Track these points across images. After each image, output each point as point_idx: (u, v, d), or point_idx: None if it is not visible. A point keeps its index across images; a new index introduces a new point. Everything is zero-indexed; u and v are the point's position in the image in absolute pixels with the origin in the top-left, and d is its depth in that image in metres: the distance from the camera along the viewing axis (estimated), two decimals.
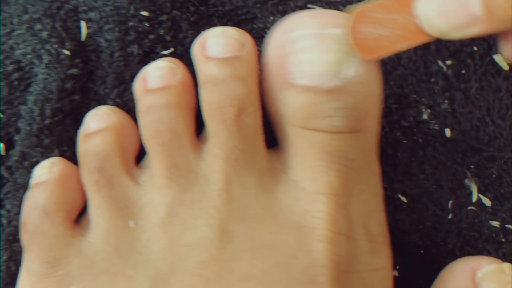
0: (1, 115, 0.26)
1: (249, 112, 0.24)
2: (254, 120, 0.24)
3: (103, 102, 0.26)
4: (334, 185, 0.23)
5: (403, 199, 0.27)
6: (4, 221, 0.26)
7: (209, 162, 0.24)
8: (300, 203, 0.23)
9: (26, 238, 0.24)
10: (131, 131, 0.25)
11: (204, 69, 0.24)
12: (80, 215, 0.25)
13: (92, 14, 0.27)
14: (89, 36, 0.27)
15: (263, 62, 0.25)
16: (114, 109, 0.25)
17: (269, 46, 0.24)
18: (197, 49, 0.25)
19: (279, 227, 0.23)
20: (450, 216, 0.27)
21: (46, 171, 0.25)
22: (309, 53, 0.23)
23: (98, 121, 0.25)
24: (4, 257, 0.25)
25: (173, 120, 0.24)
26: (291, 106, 0.24)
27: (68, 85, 0.26)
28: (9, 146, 0.26)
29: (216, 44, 0.24)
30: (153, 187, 0.24)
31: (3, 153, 0.26)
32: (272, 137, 0.25)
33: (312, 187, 0.23)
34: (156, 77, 0.24)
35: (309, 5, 0.28)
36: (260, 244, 0.23)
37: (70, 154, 0.26)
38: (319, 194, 0.23)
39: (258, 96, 0.24)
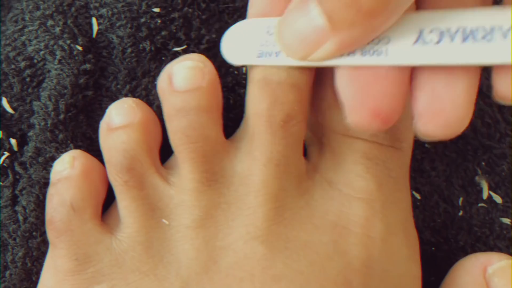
0: (14, 112, 0.26)
1: (297, 121, 0.23)
2: (300, 130, 0.23)
3: (115, 98, 0.26)
4: (370, 190, 0.23)
5: (417, 195, 0.27)
6: (20, 217, 0.25)
7: (248, 165, 0.23)
8: (335, 204, 0.23)
9: (53, 235, 0.23)
10: (154, 125, 0.24)
11: (256, 69, 0.23)
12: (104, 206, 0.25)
13: (103, 11, 0.27)
14: (100, 32, 0.27)
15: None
16: (138, 101, 0.25)
17: None
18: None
19: (315, 226, 0.23)
20: (461, 213, 0.27)
21: (68, 166, 0.24)
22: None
23: (123, 115, 0.24)
24: (20, 253, 0.25)
25: (204, 125, 0.23)
26: (335, 116, 0.24)
27: (81, 81, 0.26)
28: (22, 142, 0.26)
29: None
30: (185, 189, 0.23)
31: (15, 149, 0.26)
32: None
33: (347, 190, 0.23)
34: (184, 78, 0.23)
35: None
36: (295, 243, 0.22)
37: (85, 150, 0.25)
38: (355, 198, 0.23)
39: (308, 107, 0.23)
